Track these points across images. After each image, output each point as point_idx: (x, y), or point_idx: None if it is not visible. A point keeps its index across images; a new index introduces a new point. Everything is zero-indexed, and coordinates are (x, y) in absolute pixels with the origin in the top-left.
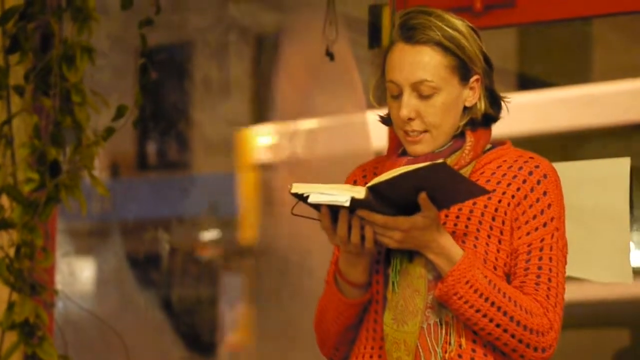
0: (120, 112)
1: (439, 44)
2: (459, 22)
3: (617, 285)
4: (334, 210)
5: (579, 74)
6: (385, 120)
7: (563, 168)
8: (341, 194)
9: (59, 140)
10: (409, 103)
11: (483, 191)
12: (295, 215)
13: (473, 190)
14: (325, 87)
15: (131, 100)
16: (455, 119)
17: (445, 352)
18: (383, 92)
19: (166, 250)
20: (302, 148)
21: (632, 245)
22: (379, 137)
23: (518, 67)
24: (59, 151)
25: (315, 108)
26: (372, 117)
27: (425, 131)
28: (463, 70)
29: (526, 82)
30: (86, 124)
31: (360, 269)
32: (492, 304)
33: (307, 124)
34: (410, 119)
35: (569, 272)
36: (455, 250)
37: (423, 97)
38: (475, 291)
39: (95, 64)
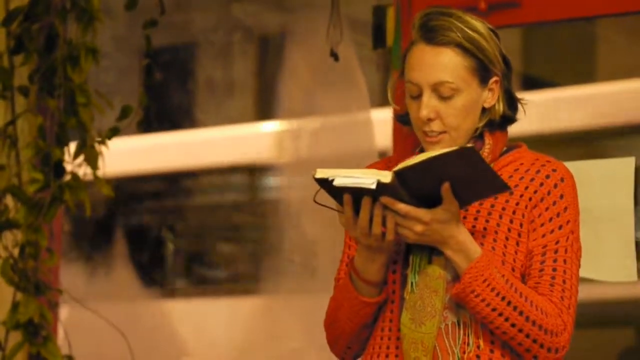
0: (124, 113)
1: (459, 46)
2: (478, 24)
3: (623, 285)
4: (355, 200)
5: (583, 74)
6: (404, 120)
7: (568, 167)
8: (367, 177)
9: (64, 140)
10: (429, 104)
11: (504, 186)
12: (317, 203)
13: (495, 183)
14: (330, 87)
15: (135, 100)
16: (474, 121)
17: (464, 352)
18: (402, 92)
19: (170, 251)
20: (305, 147)
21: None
22: (382, 137)
23: (522, 66)
24: (63, 152)
25: (319, 108)
26: (376, 116)
27: (444, 132)
28: (483, 72)
29: (530, 82)
30: (90, 124)
31: (376, 267)
32: (509, 303)
33: (311, 123)
34: (430, 120)
35: None
36: (473, 247)
37: (443, 98)
38: (492, 289)
39: (99, 64)
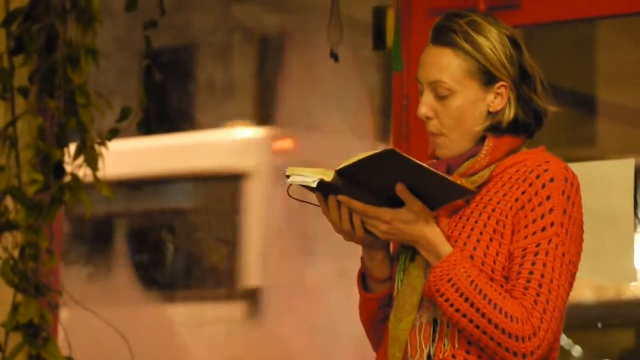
0: (124, 114)
1: (460, 48)
2: (493, 28)
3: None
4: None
5: (583, 76)
6: None
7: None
8: (312, 176)
9: (64, 141)
10: (427, 101)
11: (463, 190)
12: (291, 197)
13: (449, 185)
14: (329, 89)
15: (135, 101)
16: (473, 124)
17: (440, 352)
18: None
19: (170, 251)
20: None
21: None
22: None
23: None
24: (63, 153)
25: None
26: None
27: (441, 134)
28: (486, 76)
29: None
30: (90, 125)
31: (377, 263)
32: (472, 304)
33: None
34: (428, 118)
35: None
36: (444, 248)
37: (440, 97)
38: (457, 290)
39: (99, 65)
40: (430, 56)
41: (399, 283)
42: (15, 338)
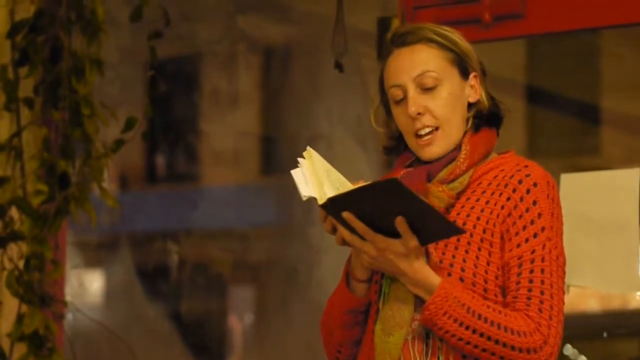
0: (129, 124)
1: (432, 40)
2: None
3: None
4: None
5: (588, 85)
6: (389, 150)
7: (573, 179)
8: (308, 188)
9: (69, 152)
10: (416, 99)
11: (457, 229)
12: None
13: (444, 224)
14: (334, 99)
15: (140, 112)
16: (463, 113)
17: None
18: (384, 115)
19: (175, 262)
20: None
21: None
22: None
23: (527, 78)
24: (68, 163)
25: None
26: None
27: (437, 128)
28: (461, 65)
29: (535, 94)
30: (95, 136)
31: (358, 263)
32: (474, 331)
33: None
34: (419, 114)
35: (579, 282)
36: (431, 280)
37: (427, 90)
38: (455, 321)
39: (104, 76)
40: (404, 56)
41: (385, 296)
42: (20, 348)
